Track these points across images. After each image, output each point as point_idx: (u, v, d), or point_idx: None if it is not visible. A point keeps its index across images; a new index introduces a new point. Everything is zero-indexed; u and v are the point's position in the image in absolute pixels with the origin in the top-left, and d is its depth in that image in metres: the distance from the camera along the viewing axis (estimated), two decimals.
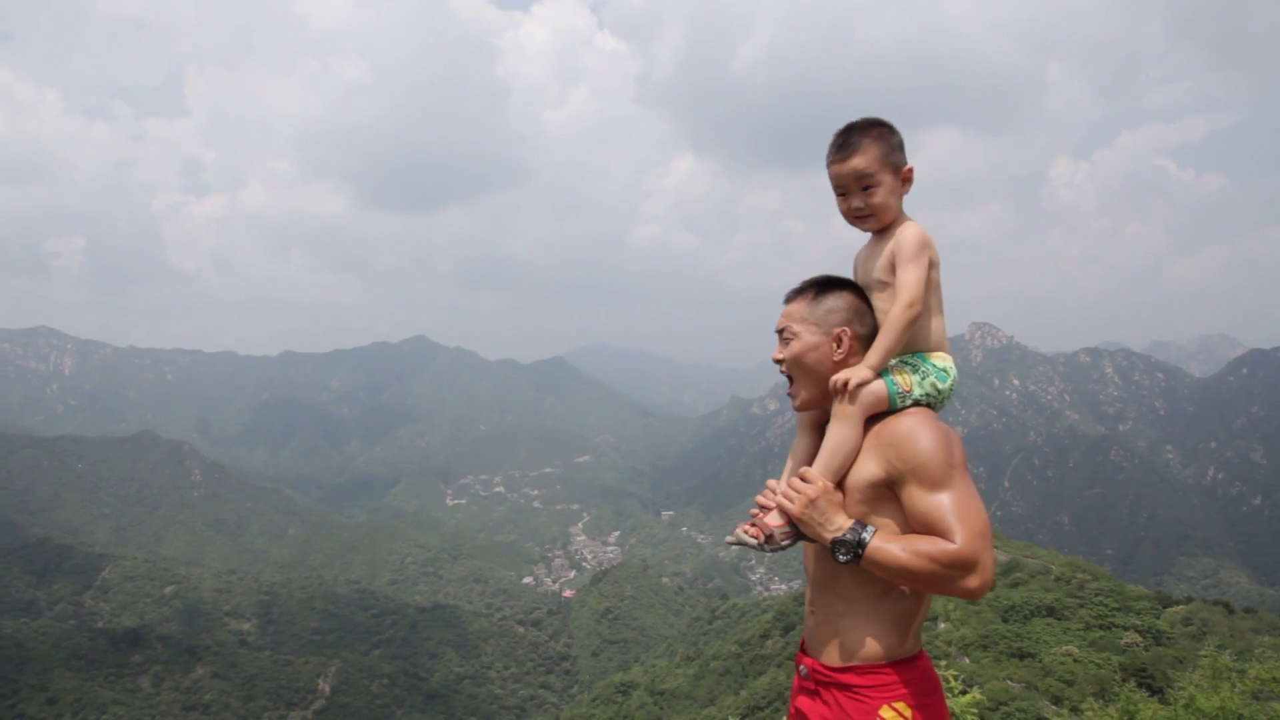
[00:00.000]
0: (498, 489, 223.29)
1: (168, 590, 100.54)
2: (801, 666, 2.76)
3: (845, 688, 2.57)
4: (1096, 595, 36.97)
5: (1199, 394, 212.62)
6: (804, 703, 2.73)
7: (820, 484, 2.52)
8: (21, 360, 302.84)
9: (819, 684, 2.66)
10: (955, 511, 2.33)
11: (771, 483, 2.79)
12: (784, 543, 2.61)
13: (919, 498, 2.39)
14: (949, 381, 2.69)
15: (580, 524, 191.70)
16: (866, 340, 2.68)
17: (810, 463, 2.73)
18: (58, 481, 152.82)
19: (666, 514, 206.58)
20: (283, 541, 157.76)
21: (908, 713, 2.49)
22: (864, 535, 2.39)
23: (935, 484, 2.37)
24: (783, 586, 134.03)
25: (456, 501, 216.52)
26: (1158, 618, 35.42)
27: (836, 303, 2.69)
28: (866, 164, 2.65)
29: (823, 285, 2.73)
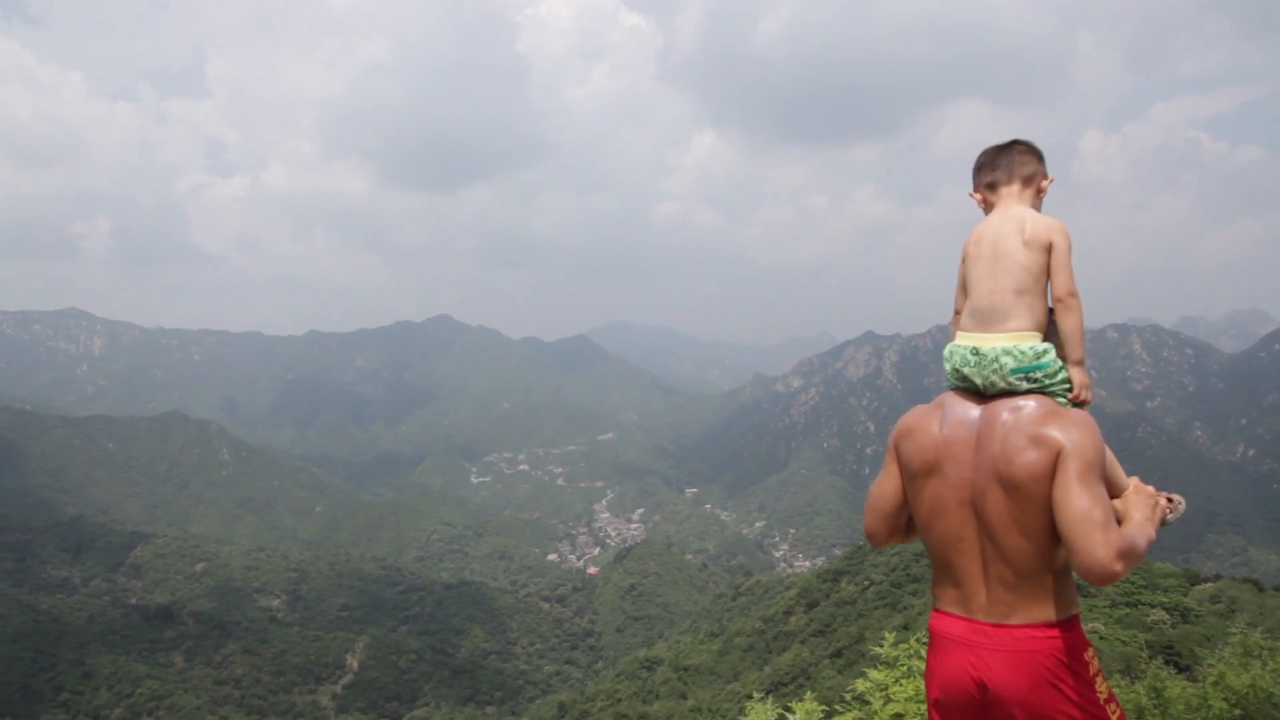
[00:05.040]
0: (522, 466, 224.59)
1: (198, 568, 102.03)
2: None
3: None
4: None
5: (1229, 370, 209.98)
6: None
7: None
8: (52, 341, 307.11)
9: None
10: None
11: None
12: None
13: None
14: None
15: (604, 501, 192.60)
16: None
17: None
18: (89, 461, 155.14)
19: (690, 491, 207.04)
20: (310, 519, 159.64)
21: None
22: None
23: None
24: (806, 563, 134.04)
25: (481, 479, 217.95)
26: (1185, 595, 35.03)
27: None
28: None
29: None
